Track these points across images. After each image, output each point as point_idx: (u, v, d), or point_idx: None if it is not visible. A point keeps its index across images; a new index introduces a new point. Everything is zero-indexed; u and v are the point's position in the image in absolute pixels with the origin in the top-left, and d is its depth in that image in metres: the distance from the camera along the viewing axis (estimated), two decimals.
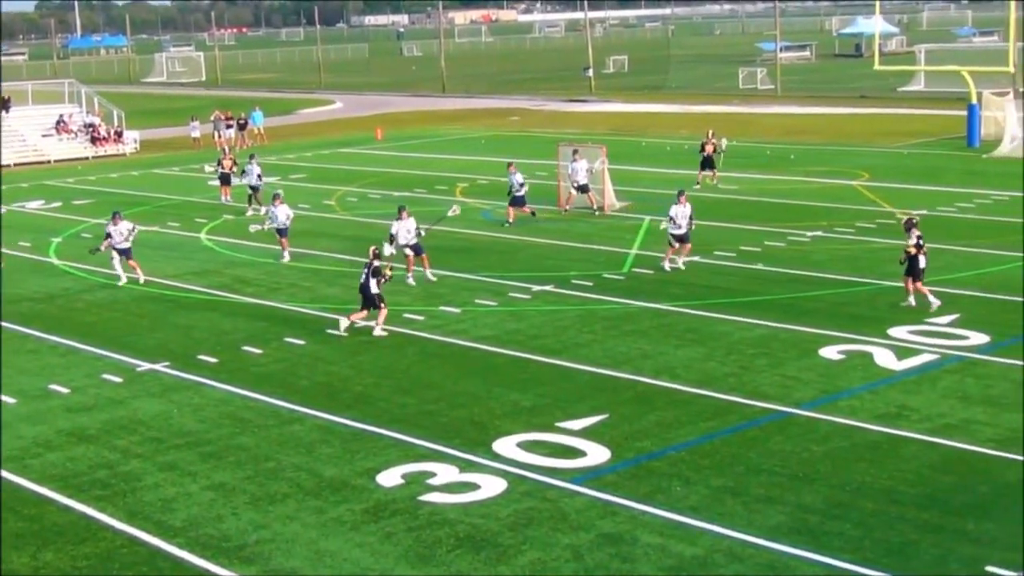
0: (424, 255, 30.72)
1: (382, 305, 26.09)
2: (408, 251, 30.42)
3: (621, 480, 17.70)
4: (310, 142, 65.87)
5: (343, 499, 17.45)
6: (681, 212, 30.42)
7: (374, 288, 25.92)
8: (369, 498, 17.44)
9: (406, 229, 30.27)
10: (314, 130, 73.86)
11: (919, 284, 26.14)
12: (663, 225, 30.99)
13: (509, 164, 38.98)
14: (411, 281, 30.46)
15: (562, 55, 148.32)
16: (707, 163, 44.08)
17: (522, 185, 38.19)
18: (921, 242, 26.02)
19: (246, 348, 25.50)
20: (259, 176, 43.04)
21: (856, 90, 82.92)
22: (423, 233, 30.76)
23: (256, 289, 31.06)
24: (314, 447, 19.60)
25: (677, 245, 30.56)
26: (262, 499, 17.59)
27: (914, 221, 26.71)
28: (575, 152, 40.32)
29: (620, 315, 26.96)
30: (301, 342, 25.79)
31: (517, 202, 38.32)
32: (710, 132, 45.28)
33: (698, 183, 43.31)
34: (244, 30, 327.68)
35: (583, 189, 39.72)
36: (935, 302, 25.97)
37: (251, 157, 44.32)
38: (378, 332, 26.04)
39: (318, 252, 35.12)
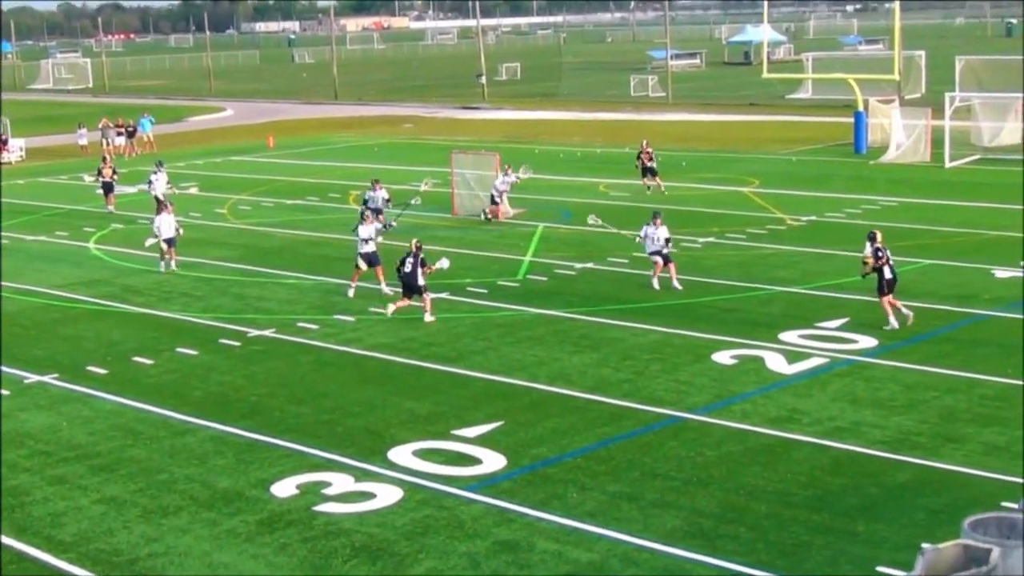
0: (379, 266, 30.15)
1: (426, 295, 27.35)
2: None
3: (517, 487, 17.71)
4: (201, 150, 65.21)
5: (237, 510, 17.26)
6: (653, 233, 29.43)
7: (421, 280, 27.10)
8: (263, 509, 17.28)
9: (368, 234, 29.98)
10: (205, 138, 73.13)
11: (889, 298, 25.25)
12: (637, 240, 30.67)
13: (375, 181, 37.74)
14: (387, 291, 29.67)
15: (455, 62, 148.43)
16: (648, 171, 44.41)
17: (387, 201, 36.62)
18: (881, 253, 25.30)
19: (137, 359, 25.14)
20: (168, 184, 42.52)
21: (745, 97, 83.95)
22: (390, 227, 31.49)
23: (147, 299, 30.64)
24: (207, 458, 19.37)
25: (660, 263, 29.44)
26: (154, 512, 17.34)
27: (874, 233, 26.06)
28: (507, 167, 40.46)
29: (515, 322, 27.01)
30: (193, 352, 25.49)
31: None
32: (644, 142, 45.31)
33: (649, 188, 44.07)
34: (132, 36, 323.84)
35: (492, 201, 39.71)
36: (909, 314, 25.31)
37: (159, 165, 43.75)
38: (429, 319, 27.10)
39: (210, 261, 34.73)
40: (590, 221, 33.06)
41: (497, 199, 39.71)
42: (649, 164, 44.44)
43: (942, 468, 17.94)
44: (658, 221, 29.86)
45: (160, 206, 35.45)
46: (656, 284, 29.56)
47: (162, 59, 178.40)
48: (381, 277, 29.79)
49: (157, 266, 33.69)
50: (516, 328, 26.51)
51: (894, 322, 25.18)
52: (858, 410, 20.47)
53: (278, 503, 17.46)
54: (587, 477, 17.99)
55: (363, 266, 29.88)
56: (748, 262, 32.45)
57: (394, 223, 31.50)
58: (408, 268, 27.15)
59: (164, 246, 33.46)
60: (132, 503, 17.69)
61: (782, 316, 26.71)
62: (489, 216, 39.70)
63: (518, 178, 40.41)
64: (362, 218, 30.67)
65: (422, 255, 27.31)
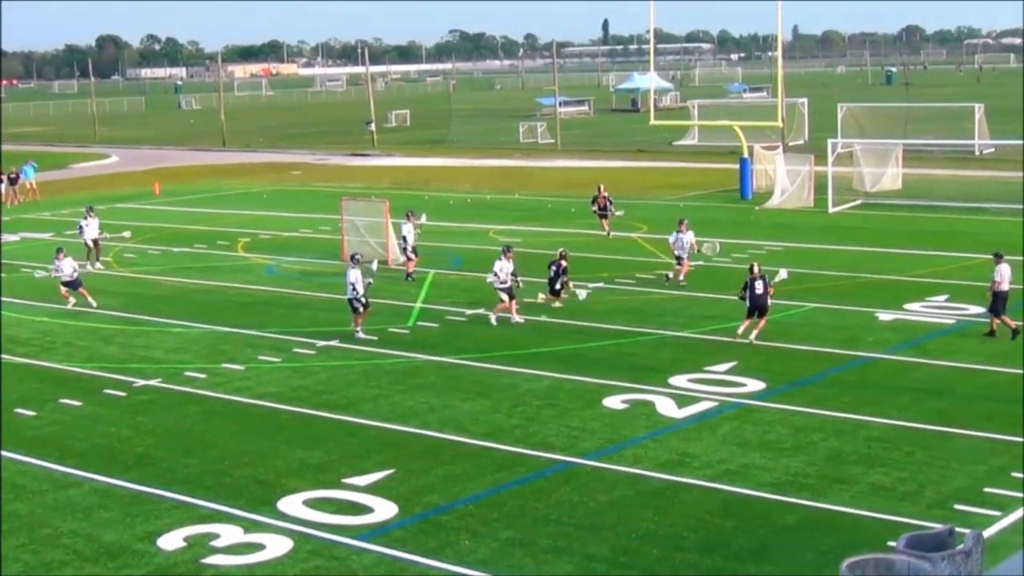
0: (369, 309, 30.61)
1: (560, 294, 32.24)
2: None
3: (409, 535, 17.59)
4: (85, 197, 64.11)
5: (123, 564, 16.93)
6: (503, 267, 30.96)
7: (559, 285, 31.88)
8: (150, 563, 16.97)
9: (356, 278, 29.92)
10: (89, 185, 72.06)
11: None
12: (488, 279, 31.45)
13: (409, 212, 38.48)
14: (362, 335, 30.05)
15: (344, 109, 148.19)
16: (603, 216, 44.64)
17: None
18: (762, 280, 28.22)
19: (19, 410, 24.61)
20: (99, 229, 42.14)
21: (633, 144, 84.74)
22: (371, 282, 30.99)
23: (29, 349, 30.04)
24: (92, 511, 18.99)
25: (506, 299, 30.98)
26: (37, 567, 16.95)
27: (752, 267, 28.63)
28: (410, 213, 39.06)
29: (406, 369, 26.91)
30: (77, 403, 25.01)
31: None
32: (601, 187, 45.60)
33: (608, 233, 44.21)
34: (15, 82, 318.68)
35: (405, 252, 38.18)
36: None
37: (89, 210, 42.89)
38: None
39: (94, 310, 34.14)
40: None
41: (409, 251, 38.15)
42: (604, 208, 44.64)
43: (830, 509, 18.15)
44: (684, 227, 35.23)
45: (89, 251, 39.66)
46: (674, 277, 35.14)
47: (45, 105, 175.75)
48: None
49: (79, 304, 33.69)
50: (407, 375, 26.41)
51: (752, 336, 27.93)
52: (747, 453, 20.66)
53: (165, 556, 17.16)
54: (480, 524, 17.93)
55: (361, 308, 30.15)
56: (638, 307, 32.67)
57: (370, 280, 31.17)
58: (551, 274, 32.15)
59: (63, 289, 34.14)
60: (14, 559, 17.27)
61: (672, 360, 26.92)
62: (411, 273, 37.58)
63: (417, 229, 39.11)
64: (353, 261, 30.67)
65: (564, 263, 32.32)
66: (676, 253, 35.59)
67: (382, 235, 40.71)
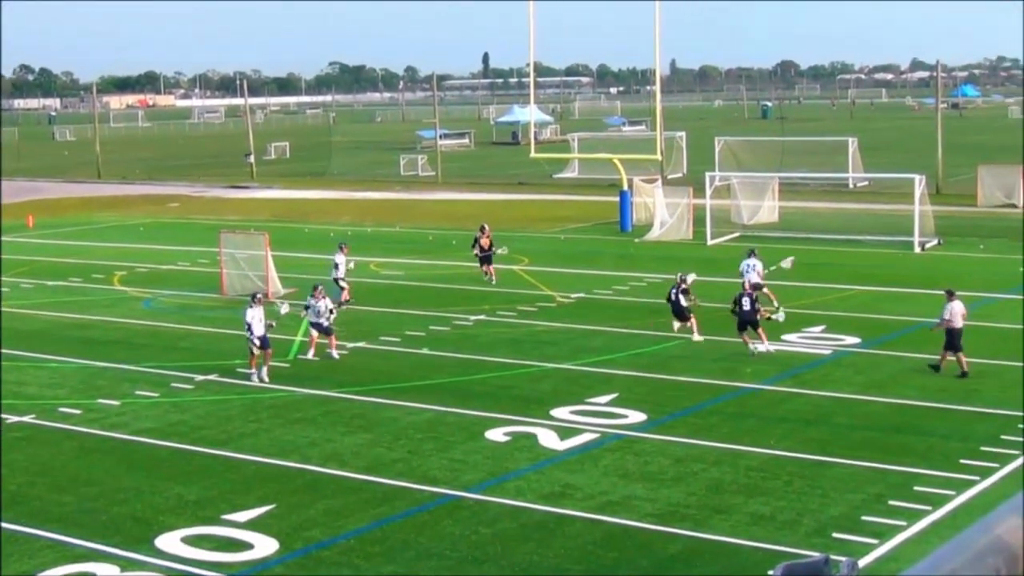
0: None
1: (691, 317, 31.51)
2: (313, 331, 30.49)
3: (289, 572, 17.39)
4: None
5: None
6: (321, 305, 30.83)
7: (684, 302, 31.46)
8: None
9: (258, 319, 28.58)
10: None
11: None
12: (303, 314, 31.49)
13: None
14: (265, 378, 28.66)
15: (222, 141, 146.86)
16: (485, 259, 42.18)
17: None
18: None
19: None
20: None
21: (514, 177, 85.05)
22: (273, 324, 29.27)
23: None
24: None
25: (316, 334, 30.96)
26: None
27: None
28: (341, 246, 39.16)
29: (286, 403, 26.65)
30: None
31: None
32: (485, 226, 43.32)
33: (488, 276, 41.69)
34: None
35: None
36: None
37: None
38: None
39: None
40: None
41: (341, 281, 37.96)
42: (487, 251, 41.99)
43: (711, 539, 18.30)
44: (754, 257, 36.27)
45: None
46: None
47: None
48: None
49: None
50: (288, 409, 26.16)
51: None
52: (629, 484, 20.75)
53: None
54: (361, 559, 17.77)
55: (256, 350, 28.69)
56: (520, 339, 32.74)
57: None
58: (672, 296, 31.75)
59: None
60: None
61: (553, 392, 27.00)
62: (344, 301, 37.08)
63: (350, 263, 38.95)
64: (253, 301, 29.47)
65: (684, 285, 31.82)
66: (753, 281, 34.57)
67: (262, 268, 40.32)
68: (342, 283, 38.23)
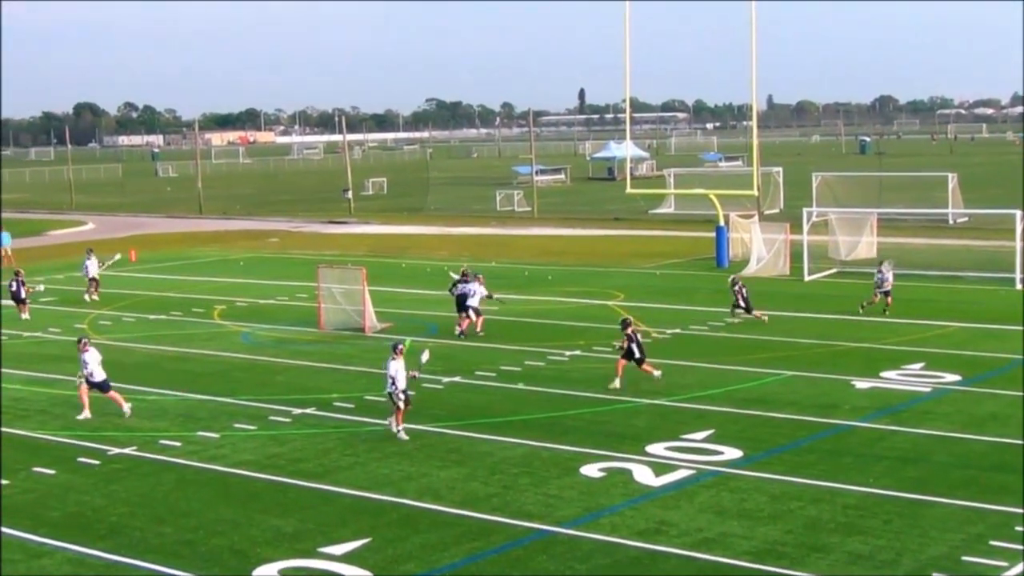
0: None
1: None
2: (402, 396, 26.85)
3: None
4: (60, 264, 64.07)
5: None
6: (886, 272, 39.17)
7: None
8: None
9: (400, 370, 26.63)
10: (65, 251, 71.83)
11: (623, 362, 31.00)
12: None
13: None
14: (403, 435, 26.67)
15: (321, 177, 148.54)
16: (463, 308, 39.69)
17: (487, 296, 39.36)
18: (631, 337, 30.98)
19: None
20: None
21: (610, 212, 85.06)
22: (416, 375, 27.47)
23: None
24: None
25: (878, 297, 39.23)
26: None
27: (626, 320, 31.71)
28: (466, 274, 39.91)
29: (382, 437, 26.79)
30: (51, 472, 24.81)
31: None
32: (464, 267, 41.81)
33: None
34: None
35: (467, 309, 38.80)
36: (657, 374, 31.28)
37: (89, 251, 50.58)
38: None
39: (68, 377, 33.92)
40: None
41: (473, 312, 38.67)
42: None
43: None
44: (885, 266, 40.39)
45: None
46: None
47: (21, 172, 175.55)
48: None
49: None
50: (383, 443, 26.30)
51: (618, 383, 30.19)
52: (725, 521, 20.60)
53: None
54: None
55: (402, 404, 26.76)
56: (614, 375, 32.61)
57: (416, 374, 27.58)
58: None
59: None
60: None
61: (648, 428, 26.89)
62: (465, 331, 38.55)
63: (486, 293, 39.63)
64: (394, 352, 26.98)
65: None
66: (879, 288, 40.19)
67: (359, 303, 40.66)
68: (475, 310, 39.00)
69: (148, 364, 36.25)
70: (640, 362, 30.98)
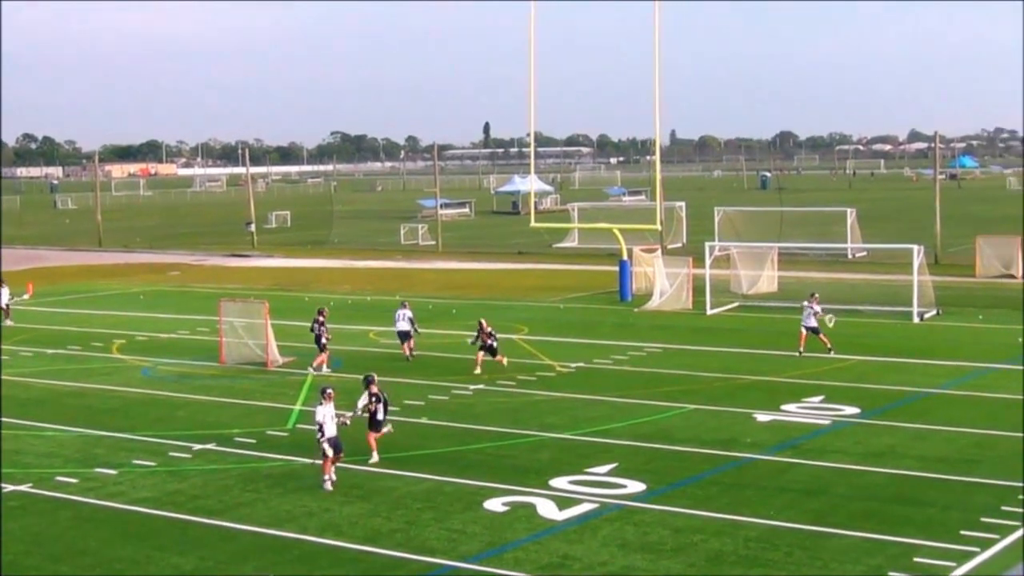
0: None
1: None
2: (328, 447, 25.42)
3: None
4: None
5: None
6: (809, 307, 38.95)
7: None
8: None
9: (330, 416, 25.51)
10: None
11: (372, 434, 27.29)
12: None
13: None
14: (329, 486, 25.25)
15: (224, 210, 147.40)
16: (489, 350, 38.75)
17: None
18: (376, 397, 27.21)
19: None
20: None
21: (514, 246, 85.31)
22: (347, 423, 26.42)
23: None
24: None
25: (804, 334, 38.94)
26: None
27: (370, 378, 27.65)
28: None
29: (284, 472, 26.53)
30: None
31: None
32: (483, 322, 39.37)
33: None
34: None
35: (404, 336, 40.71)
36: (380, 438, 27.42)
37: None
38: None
39: None
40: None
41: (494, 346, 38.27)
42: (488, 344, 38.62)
43: None
44: (814, 299, 40.13)
45: None
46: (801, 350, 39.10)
47: None
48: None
49: None
50: (286, 479, 26.03)
51: (375, 456, 26.98)
52: (628, 554, 20.64)
53: None
54: None
55: (329, 452, 25.43)
56: (518, 408, 32.67)
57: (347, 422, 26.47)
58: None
59: None
60: None
61: (552, 462, 26.89)
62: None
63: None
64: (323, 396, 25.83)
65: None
66: (804, 324, 39.82)
67: (261, 337, 40.33)
68: (413, 332, 40.82)
69: (46, 399, 35.62)
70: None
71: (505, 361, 38.00)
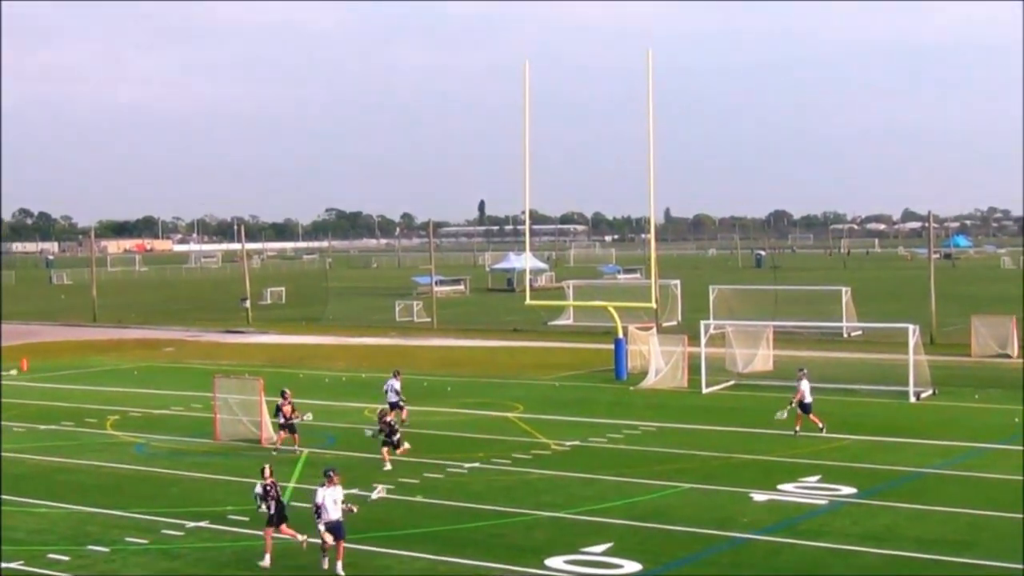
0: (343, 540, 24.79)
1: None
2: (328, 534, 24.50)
3: None
4: None
5: None
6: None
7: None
8: None
9: (332, 499, 24.65)
10: None
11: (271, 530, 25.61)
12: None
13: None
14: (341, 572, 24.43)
15: (219, 286, 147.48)
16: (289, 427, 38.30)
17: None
18: (270, 490, 25.55)
19: None
20: None
21: (509, 323, 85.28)
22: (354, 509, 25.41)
23: None
24: None
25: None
26: None
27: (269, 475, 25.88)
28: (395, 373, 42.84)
29: (279, 551, 26.32)
30: None
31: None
32: (286, 392, 39.23)
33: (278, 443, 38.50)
34: None
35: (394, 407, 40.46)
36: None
37: None
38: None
39: None
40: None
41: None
42: (289, 419, 38.01)
43: None
44: (802, 374, 40.30)
45: None
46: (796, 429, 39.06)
47: None
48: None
49: None
50: (280, 557, 25.82)
51: (267, 560, 25.14)
52: None
53: None
54: None
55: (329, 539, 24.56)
56: (514, 487, 32.52)
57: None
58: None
59: None
60: None
61: (548, 541, 26.73)
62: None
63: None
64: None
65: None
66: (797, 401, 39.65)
67: (256, 413, 40.20)
68: (401, 402, 41.56)
69: (37, 476, 35.44)
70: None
71: (407, 446, 35.83)
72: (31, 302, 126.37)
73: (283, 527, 25.61)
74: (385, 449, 35.52)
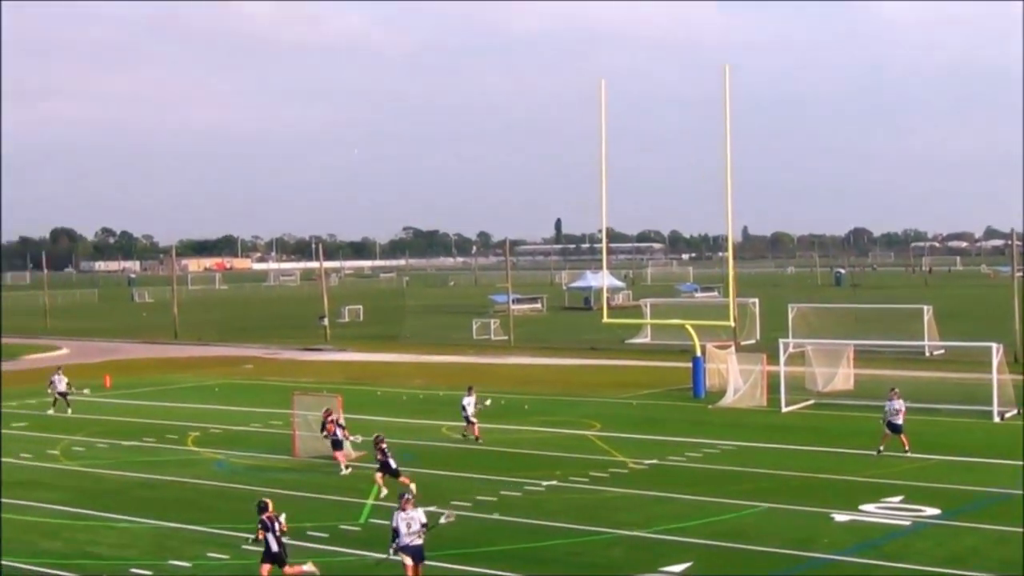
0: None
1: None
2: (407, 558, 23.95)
3: None
4: (34, 389, 63.58)
5: None
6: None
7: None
8: None
9: (406, 523, 24.00)
10: (39, 377, 71.35)
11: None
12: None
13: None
14: None
15: (297, 304, 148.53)
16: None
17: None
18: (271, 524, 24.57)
19: None
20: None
21: (586, 342, 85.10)
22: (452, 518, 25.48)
23: None
24: None
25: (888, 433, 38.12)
26: None
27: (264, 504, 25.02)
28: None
29: (358, 567, 26.40)
30: None
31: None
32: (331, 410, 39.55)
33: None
34: None
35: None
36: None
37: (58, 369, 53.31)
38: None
39: (38, 504, 33.52)
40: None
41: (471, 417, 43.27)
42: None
43: None
44: (895, 394, 39.93)
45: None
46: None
47: None
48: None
49: None
50: (359, 573, 25.89)
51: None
52: None
53: None
54: None
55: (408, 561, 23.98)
56: (591, 505, 32.37)
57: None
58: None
59: None
60: None
61: (625, 560, 26.57)
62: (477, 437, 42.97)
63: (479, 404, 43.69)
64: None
65: None
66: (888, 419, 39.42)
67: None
68: (472, 419, 43.18)
69: (119, 491, 35.82)
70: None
71: (413, 487, 31.77)
72: (114, 319, 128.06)
73: (286, 568, 24.56)
74: (379, 475, 33.95)
